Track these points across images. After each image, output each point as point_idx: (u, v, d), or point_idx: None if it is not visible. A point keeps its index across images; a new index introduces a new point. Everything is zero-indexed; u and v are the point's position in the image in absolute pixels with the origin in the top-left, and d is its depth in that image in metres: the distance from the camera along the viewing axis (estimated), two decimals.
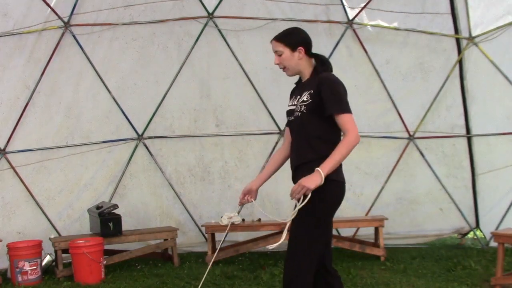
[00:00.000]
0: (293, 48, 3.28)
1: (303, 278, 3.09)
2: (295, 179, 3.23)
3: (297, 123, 3.27)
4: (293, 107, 3.30)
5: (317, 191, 3.04)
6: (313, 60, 3.37)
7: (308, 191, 3.00)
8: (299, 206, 3.04)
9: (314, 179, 3.01)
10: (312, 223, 3.12)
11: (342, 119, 3.20)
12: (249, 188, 3.41)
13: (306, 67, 3.34)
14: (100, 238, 5.73)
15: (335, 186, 3.19)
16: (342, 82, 3.29)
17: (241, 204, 3.43)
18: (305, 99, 3.24)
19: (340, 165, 3.30)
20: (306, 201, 3.01)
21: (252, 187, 3.41)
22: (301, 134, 3.26)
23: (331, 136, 3.24)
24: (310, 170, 3.07)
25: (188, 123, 6.81)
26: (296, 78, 3.45)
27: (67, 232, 6.32)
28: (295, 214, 3.08)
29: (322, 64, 3.36)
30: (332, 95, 3.20)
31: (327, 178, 3.06)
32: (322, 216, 3.16)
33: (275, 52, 3.32)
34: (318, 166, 3.06)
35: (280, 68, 3.37)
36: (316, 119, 3.21)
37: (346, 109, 3.23)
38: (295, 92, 3.38)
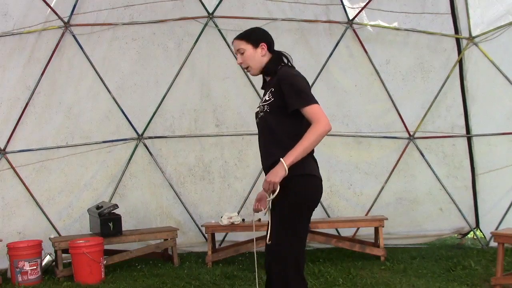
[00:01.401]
0: (255, 45, 3.27)
1: (294, 274, 3.06)
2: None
3: (262, 124, 3.23)
4: (258, 109, 3.27)
5: (284, 187, 3.00)
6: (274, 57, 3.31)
7: (275, 185, 2.97)
8: (269, 199, 3.04)
9: (278, 172, 2.98)
10: (285, 220, 3.06)
11: (308, 111, 3.07)
12: (259, 196, 3.28)
13: (269, 65, 3.28)
14: (100, 238, 5.73)
15: (303, 180, 3.08)
16: (302, 75, 3.21)
17: (255, 211, 3.33)
18: (267, 98, 3.19)
19: (313, 159, 3.20)
20: (275, 195, 3.00)
21: (263, 196, 3.25)
22: (268, 135, 3.20)
23: (299, 132, 3.10)
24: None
25: (188, 123, 6.81)
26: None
27: (67, 232, 6.32)
28: (268, 210, 3.09)
29: (288, 60, 3.31)
30: (293, 89, 3.10)
31: (291, 173, 2.99)
32: (294, 212, 3.07)
33: (238, 51, 3.29)
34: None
35: (244, 69, 3.33)
36: (281, 117, 3.14)
37: (311, 101, 3.09)
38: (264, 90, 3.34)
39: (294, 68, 3.31)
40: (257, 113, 3.29)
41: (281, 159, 2.99)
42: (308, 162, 3.13)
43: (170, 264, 6.19)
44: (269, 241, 3.09)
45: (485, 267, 5.65)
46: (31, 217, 6.26)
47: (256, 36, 3.29)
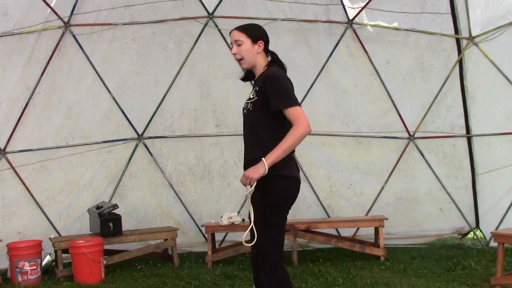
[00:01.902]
0: (255, 41, 3.33)
1: (278, 270, 3.18)
2: None
3: (245, 121, 3.33)
4: (244, 104, 3.35)
5: (263, 187, 3.11)
6: (268, 58, 3.40)
7: (252, 181, 3.06)
8: (248, 194, 3.12)
9: (258, 169, 3.07)
10: (267, 218, 3.17)
11: (290, 113, 3.16)
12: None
13: (260, 63, 3.37)
14: (100, 238, 5.73)
15: (284, 181, 3.19)
16: (287, 77, 3.29)
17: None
18: (251, 97, 3.28)
19: (292, 160, 3.28)
20: (252, 190, 3.09)
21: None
22: (250, 132, 3.31)
23: (279, 133, 3.17)
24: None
25: (188, 123, 6.82)
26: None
27: (67, 232, 6.32)
28: (249, 203, 3.19)
29: (275, 61, 3.37)
30: (277, 90, 3.18)
31: (272, 173, 3.09)
32: (275, 211, 3.19)
33: (235, 41, 3.34)
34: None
35: (236, 59, 3.38)
36: (264, 116, 3.22)
37: (293, 103, 3.18)
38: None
39: (282, 69, 3.37)
40: (243, 109, 3.38)
41: (263, 158, 3.08)
42: (289, 163, 3.22)
43: (170, 264, 6.19)
44: (254, 242, 3.19)
45: (485, 267, 5.66)
46: (31, 217, 6.26)
47: (256, 33, 3.37)
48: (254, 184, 3.09)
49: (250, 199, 3.19)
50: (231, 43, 3.40)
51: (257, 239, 3.18)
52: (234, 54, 3.36)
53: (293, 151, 3.28)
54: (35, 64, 6.12)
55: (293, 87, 3.28)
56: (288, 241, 6.26)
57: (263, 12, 6.61)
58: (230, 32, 3.42)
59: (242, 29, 3.37)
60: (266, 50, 3.40)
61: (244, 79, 3.54)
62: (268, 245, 3.20)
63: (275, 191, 3.17)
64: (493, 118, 6.69)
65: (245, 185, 3.13)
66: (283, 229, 3.28)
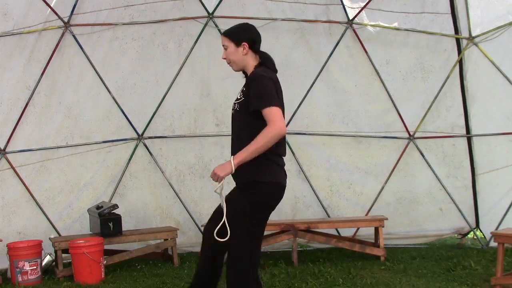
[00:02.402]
0: (238, 43, 3.37)
1: (250, 275, 3.23)
2: (234, 175, 3.32)
3: (232, 121, 3.40)
4: (232, 106, 3.43)
5: (244, 191, 3.23)
6: (257, 57, 3.43)
7: (219, 178, 3.16)
8: (216, 191, 3.25)
9: (225, 168, 3.16)
10: (241, 221, 3.24)
11: (265, 113, 3.17)
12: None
13: (250, 63, 3.41)
14: (100, 238, 5.73)
15: (263, 186, 3.24)
16: (272, 77, 3.29)
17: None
18: (238, 97, 3.34)
19: (277, 164, 3.31)
20: (220, 186, 3.20)
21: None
22: (235, 132, 3.37)
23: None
24: (240, 168, 3.18)
25: (188, 123, 6.81)
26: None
27: (67, 232, 6.31)
28: (222, 200, 3.30)
29: (264, 61, 3.40)
30: (256, 90, 3.22)
31: (250, 179, 3.21)
32: (252, 215, 3.25)
33: (223, 46, 3.42)
34: (247, 164, 3.17)
35: (228, 63, 3.45)
36: (248, 117, 3.26)
37: (270, 103, 3.18)
38: None
39: (271, 70, 3.39)
40: (232, 109, 3.46)
41: (231, 157, 3.16)
42: (270, 168, 3.25)
43: (170, 264, 6.19)
44: (223, 238, 3.24)
45: (485, 267, 5.66)
46: (31, 217, 6.25)
47: (239, 35, 3.41)
48: (222, 182, 3.18)
49: (225, 201, 3.28)
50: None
51: (231, 245, 3.24)
52: (224, 59, 3.46)
53: (281, 156, 3.33)
54: (35, 64, 6.12)
55: (277, 88, 3.28)
56: (288, 241, 6.28)
57: (263, 12, 6.61)
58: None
59: (226, 33, 3.45)
60: (256, 50, 3.43)
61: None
62: (240, 252, 3.23)
63: (253, 196, 3.24)
64: (493, 118, 6.69)
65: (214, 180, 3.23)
66: (259, 235, 3.32)
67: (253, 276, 3.28)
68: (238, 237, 3.23)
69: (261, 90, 3.21)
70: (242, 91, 3.34)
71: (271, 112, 3.15)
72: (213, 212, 3.54)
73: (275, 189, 3.32)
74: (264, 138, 3.12)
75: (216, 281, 3.55)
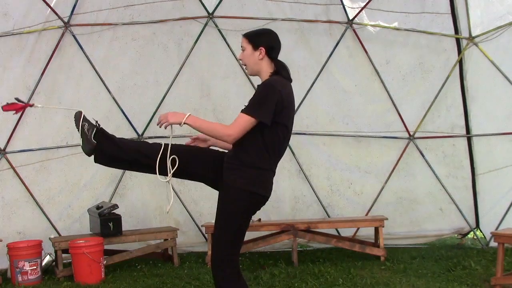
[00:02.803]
0: (255, 47, 3.34)
1: (222, 264, 3.31)
2: (224, 168, 3.33)
3: None
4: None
5: (226, 197, 3.29)
6: (273, 65, 3.38)
7: (166, 124, 3.24)
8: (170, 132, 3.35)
9: (177, 116, 3.21)
10: (221, 221, 3.31)
11: (238, 115, 3.20)
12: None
13: (264, 70, 3.36)
14: (100, 238, 5.73)
15: (242, 194, 3.23)
16: (281, 91, 3.23)
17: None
18: (245, 105, 3.27)
19: (264, 178, 3.31)
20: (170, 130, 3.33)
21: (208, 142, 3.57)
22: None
23: (268, 145, 3.25)
24: (231, 171, 3.25)
25: None
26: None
27: (67, 232, 6.32)
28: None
29: (279, 70, 3.36)
30: (254, 97, 3.23)
31: (236, 185, 3.22)
32: (228, 218, 3.29)
33: (241, 47, 3.38)
34: (241, 172, 3.22)
35: (242, 65, 3.43)
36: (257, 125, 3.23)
37: (250, 111, 3.18)
38: None
39: (285, 80, 3.36)
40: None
41: (189, 113, 3.20)
42: (255, 180, 3.25)
43: (170, 264, 6.19)
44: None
45: (485, 267, 5.66)
46: (31, 217, 6.25)
47: (258, 39, 3.38)
48: (167, 125, 3.25)
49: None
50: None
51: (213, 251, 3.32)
52: (240, 60, 3.42)
53: (274, 171, 3.34)
54: (35, 64, 6.12)
55: (283, 100, 3.23)
56: (288, 241, 6.28)
57: (263, 12, 6.61)
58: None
59: (247, 35, 3.40)
60: (273, 58, 3.38)
61: None
62: (221, 246, 3.29)
63: (231, 201, 3.26)
64: (493, 118, 6.69)
65: (159, 122, 3.30)
66: (241, 239, 3.37)
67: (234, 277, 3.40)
68: (218, 241, 3.35)
69: (256, 97, 3.22)
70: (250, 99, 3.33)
71: (239, 119, 3.18)
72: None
73: (252, 198, 3.29)
74: (215, 127, 3.24)
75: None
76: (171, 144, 3.42)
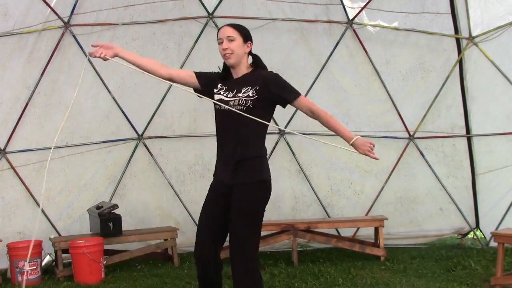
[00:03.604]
0: (245, 40, 3.49)
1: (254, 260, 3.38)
2: (235, 174, 3.37)
3: (237, 117, 3.37)
4: (232, 100, 3.42)
5: (244, 193, 3.34)
6: (250, 59, 3.57)
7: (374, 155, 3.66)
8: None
9: (352, 138, 3.83)
10: (247, 220, 3.37)
11: (303, 100, 3.51)
12: (111, 47, 3.71)
13: (245, 63, 3.52)
14: (100, 238, 5.73)
15: (262, 185, 3.41)
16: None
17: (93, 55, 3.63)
18: (250, 94, 3.40)
19: (266, 164, 3.49)
20: None
21: (116, 50, 3.79)
22: (240, 129, 3.39)
23: (264, 133, 3.50)
24: (253, 166, 3.36)
25: (188, 123, 6.81)
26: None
27: (67, 232, 6.31)
28: None
29: (259, 63, 3.56)
30: (286, 85, 3.46)
31: (254, 179, 3.36)
32: (253, 214, 3.38)
33: (227, 37, 3.45)
34: (258, 163, 3.40)
35: (226, 54, 3.47)
36: (259, 116, 3.38)
37: (298, 92, 3.50)
38: (226, 84, 3.51)
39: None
40: (226, 102, 3.43)
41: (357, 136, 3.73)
42: (265, 166, 3.47)
43: (170, 264, 6.19)
44: None
45: (485, 267, 5.66)
46: (31, 217, 6.25)
47: (247, 33, 3.54)
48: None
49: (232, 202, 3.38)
50: (219, 39, 3.50)
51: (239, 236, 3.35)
52: (225, 49, 3.45)
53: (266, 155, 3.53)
54: (35, 64, 6.12)
55: None
56: (288, 241, 6.28)
57: (263, 12, 6.61)
58: (220, 28, 3.55)
59: (234, 26, 3.53)
60: (251, 53, 3.57)
61: (223, 74, 3.60)
62: (253, 245, 3.36)
63: (254, 196, 3.37)
64: (493, 118, 6.69)
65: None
66: (260, 230, 3.46)
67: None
68: (252, 236, 3.37)
69: (286, 84, 3.46)
70: (256, 89, 3.40)
71: (307, 99, 3.56)
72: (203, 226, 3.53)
73: (269, 187, 3.48)
74: (334, 119, 3.82)
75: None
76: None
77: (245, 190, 3.36)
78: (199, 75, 3.60)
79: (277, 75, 3.48)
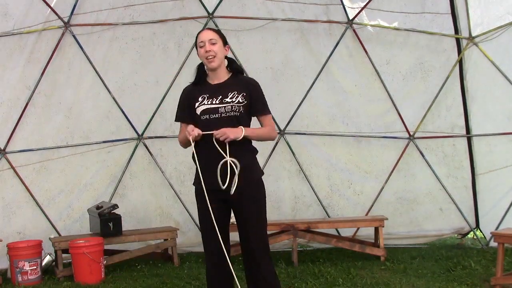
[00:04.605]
0: (224, 43, 3.58)
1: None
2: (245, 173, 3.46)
3: (228, 123, 3.43)
4: (221, 106, 3.46)
5: (256, 189, 3.54)
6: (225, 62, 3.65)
7: (227, 138, 3.35)
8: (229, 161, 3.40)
9: (237, 132, 3.39)
10: (261, 214, 3.64)
11: (267, 118, 3.61)
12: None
13: (224, 66, 3.60)
14: (100, 238, 5.73)
15: (261, 179, 3.63)
16: None
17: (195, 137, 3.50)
18: (240, 100, 3.49)
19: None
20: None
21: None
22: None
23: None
24: (251, 174, 3.49)
25: None
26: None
27: (67, 232, 6.32)
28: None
29: (237, 66, 3.65)
30: (261, 97, 3.58)
31: (259, 176, 3.56)
32: (263, 207, 3.64)
33: (210, 40, 3.52)
34: (253, 168, 3.53)
35: (209, 57, 3.51)
36: (247, 121, 3.54)
37: (269, 110, 3.65)
38: (205, 91, 3.54)
39: None
40: (214, 109, 3.47)
41: (241, 127, 3.42)
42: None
43: (170, 264, 6.19)
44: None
45: (485, 267, 5.66)
46: (31, 217, 6.25)
47: (225, 38, 3.63)
48: (229, 140, 3.36)
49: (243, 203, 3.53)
50: (200, 42, 3.53)
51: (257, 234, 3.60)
52: (208, 51, 3.49)
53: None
54: (35, 64, 6.12)
55: None
56: (288, 241, 6.28)
57: (263, 12, 6.61)
58: (201, 32, 3.62)
59: (214, 30, 3.67)
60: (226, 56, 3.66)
61: (196, 83, 3.68)
62: (266, 240, 3.63)
63: (262, 190, 3.61)
64: (493, 118, 6.69)
65: (220, 139, 3.37)
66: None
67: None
68: (263, 234, 3.63)
69: (263, 96, 3.59)
70: (243, 95, 3.49)
71: (271, 120, 3.64)
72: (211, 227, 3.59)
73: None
74: (267, 133, 3.58)
75: None
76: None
77: (255, 186, 3.57)
78: (186, 119, 3.62)
79: (258, 83, 3.60)
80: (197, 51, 3.62)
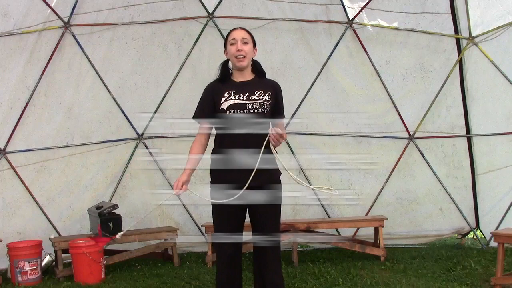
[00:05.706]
0: (254, 45, 3.63)
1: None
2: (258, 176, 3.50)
3: (243, 120, 3.48)
4: (249, 102, 3.49)
5: (275, 192, 3.57)
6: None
7: (279, 144, 3.51)
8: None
9: (284, 135, 3.50)
10: (278, 216, 3.68)
11: (282, 122, 3.68)
12: (185, 179, 3.82)
13: (250, 66, 3.63)
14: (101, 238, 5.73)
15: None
16: None
17: (178, 193, 3.79)
18: (267, 99, 3.54)
19: None
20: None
21: (188, 179, 3.88)
22: (250, 131, 3.48)
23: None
24: (274, 169, 3.58)
25: (188, 123, 6.80)
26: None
27: (67, 232, 6.32)
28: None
29: (261, 68, 3.69)
30: (283, 101, 3.67)
31: (278, 176, 3.66)
32: (280, 208, 3.69)
33: (242, 39, 3.55)
34: (276, 165, 3.61)
35: (239, 56, 3.53)
36: (269, 118, 3.59)
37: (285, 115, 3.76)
38: (231, 87, 3.56)
39: None
40: (242, 105, 3.49)
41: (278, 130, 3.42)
42: None
43: (170, 264, 6.19)
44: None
45: (485, 267, 5.66)
46: (31, 217, 6.25)
47: (255, 40, 3.67)
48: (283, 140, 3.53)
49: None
50: (232, 39, 3.55)
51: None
52: (240, 51, 3.51)
53: None
54: (35, 64, 6.12)
55: None
56: (288, 241, 6.28)
57: (263, 12, 6.61)
58: (234, 30, 3.61)
59: (247, 31, 3.64)
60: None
61: (220, 80, 3.70)
62: (279, 242, 3.65)
63: (280, 192, 3.64)
64: (493, 118, 6.69)
65: (274, 145, 3.49)
66: None
67: None
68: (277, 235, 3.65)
69: (283, 101, 3.67)
70: (269, 95, 3.54)
71: (284, 123, 3.72)
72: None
73: None
74: (283, 136, 3.50)
75: None
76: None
77: (276, 188, 3.65)
78: (203, 118, 3.72)
79: (279, 87, 3.66)
80: (225, 48, 3.63)
